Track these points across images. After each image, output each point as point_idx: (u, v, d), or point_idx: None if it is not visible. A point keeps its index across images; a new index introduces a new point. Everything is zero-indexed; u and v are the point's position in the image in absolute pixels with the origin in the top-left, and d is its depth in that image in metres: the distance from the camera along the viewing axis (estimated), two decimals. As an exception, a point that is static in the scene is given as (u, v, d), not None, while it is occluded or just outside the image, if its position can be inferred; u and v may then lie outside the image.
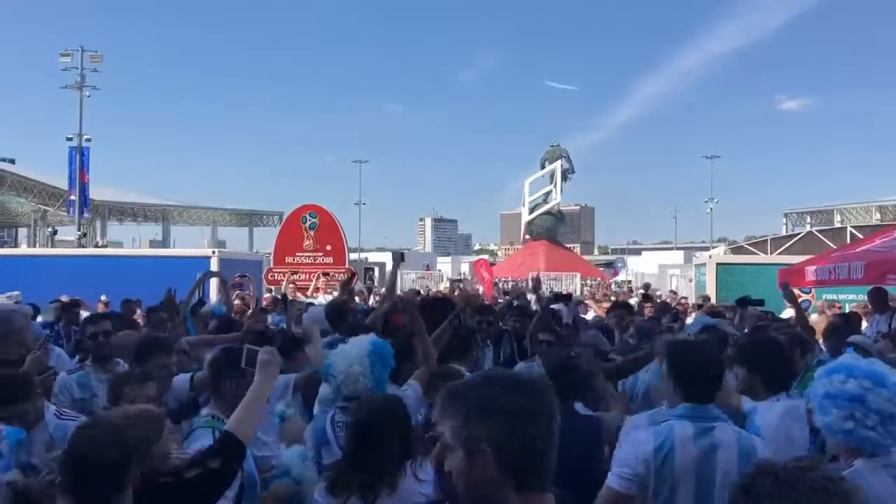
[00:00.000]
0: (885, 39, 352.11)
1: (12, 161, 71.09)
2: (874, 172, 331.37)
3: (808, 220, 60.24)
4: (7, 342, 4.63)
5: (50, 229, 43.51)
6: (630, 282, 38.85)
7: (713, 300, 14.05)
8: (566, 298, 8.68)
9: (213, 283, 13.58)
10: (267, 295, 13.72)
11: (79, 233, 40.27)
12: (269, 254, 19.92)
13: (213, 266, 15.61)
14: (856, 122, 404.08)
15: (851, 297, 13.75)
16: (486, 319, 6.93)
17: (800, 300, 14.58)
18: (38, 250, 30.55)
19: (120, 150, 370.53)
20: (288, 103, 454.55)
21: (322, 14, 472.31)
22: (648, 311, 9.98)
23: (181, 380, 4.50)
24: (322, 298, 12.83)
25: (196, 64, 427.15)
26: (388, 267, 44.02)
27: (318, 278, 14.01)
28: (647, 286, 25.56)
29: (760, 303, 7.13)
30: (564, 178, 59.71)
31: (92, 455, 2.36)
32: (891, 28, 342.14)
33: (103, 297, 12.45)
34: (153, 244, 54.32)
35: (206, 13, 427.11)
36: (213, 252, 17.20)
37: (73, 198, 39.97)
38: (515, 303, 8.76)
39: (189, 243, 54.35)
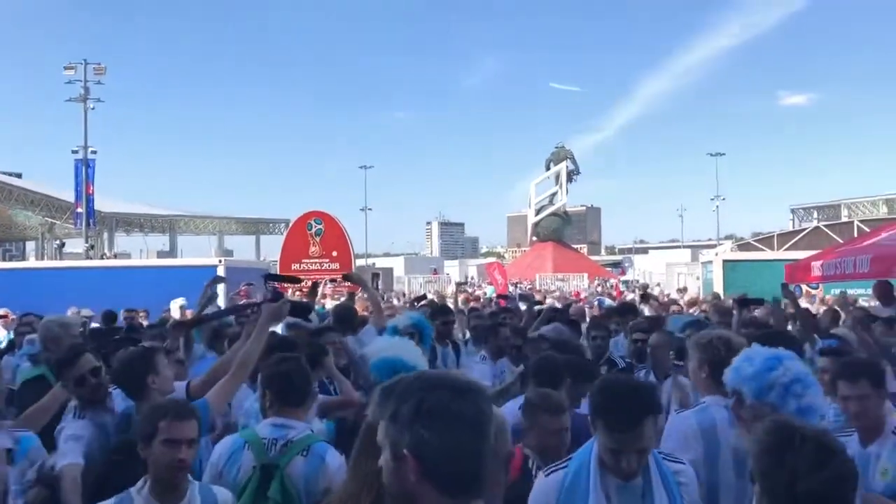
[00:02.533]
0: (890, 32, 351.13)
1: (19, 175, 71.59)
2: (881, 166, 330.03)
3: (815, 215, 60.13)
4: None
5: (57, 242, 43.74)
6: (638, 281, 38.89)
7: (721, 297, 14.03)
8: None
9: (222, 289, 13.63)
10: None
11: (86, 245, 40.45)
12: (276, 261, 19.95)
13: (220, 274, 15.64)
14: (861, 115, 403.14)
15: (860, 291, 13.72)
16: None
17: (808, 297, 14.65)
18: (45, 263, 30.67)
19: (126, 162, 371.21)
20: (293, 112, 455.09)
21: (326, 22, 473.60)
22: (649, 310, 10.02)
23: (178, 388, 4.47)
24: (329, 305, 12.87)
25: (199, 73, 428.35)
26: (396, 273, 43.86)
27: (324, 285, 14.03)
28: (644, 287, 25.58)
29: (760, 302, 7.14)
30: (570, 178, 59.98)
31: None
32: (894, 20, 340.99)
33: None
34: (160, 254, 54.45)
35: (209, 23, 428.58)
36: (220, 261, 17.22)
37: (79, 210, 40.17)
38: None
39: (196, 253, 54.44)
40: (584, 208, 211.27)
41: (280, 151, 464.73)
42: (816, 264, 8.65)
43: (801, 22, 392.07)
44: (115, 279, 16.17)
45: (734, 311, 6.78)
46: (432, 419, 1.50)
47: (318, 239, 18.41)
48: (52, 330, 5.00)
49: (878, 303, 8.84)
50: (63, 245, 42.95)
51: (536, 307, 8.65)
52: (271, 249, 53.45)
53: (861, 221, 34.65)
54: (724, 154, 68.75)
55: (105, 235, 55.94)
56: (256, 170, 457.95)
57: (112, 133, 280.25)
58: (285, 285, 16.95)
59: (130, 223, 63.19)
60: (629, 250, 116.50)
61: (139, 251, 58.61)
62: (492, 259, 77.83)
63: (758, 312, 7.99)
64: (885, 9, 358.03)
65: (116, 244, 58.34)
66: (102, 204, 48.61)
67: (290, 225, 21.06)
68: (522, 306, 10.15)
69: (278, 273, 18.43)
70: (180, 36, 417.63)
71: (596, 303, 16.72)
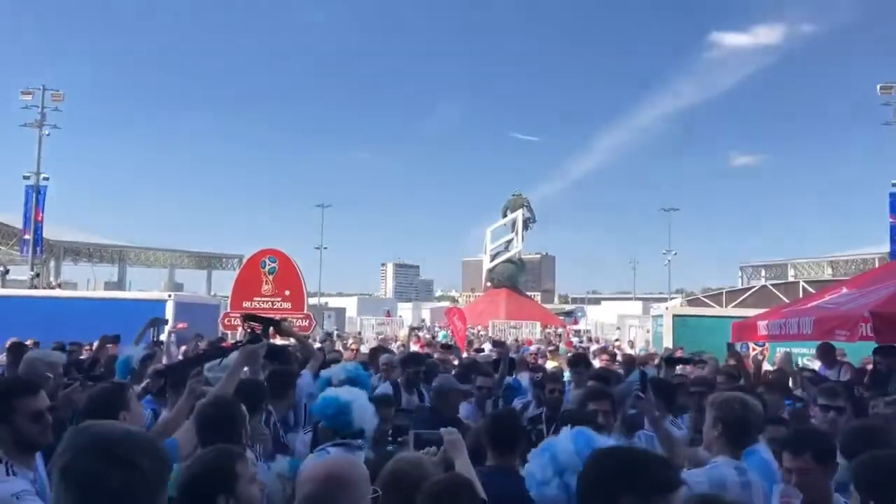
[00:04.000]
0: (835, 99, 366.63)
1: (-35, 198, 69.69)
2: (827, 228, 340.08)
3: (763, 273, 61.66)
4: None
5: (1, 268, 42.41)
6: (589, 331, 39.23)
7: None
8: (501, 345, 8.92)
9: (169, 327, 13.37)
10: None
11: (32, 273, 39.37)
12: (227, 297, 19.64)
13: (169, 310, 15.37)
14: (808, 178, 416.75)
15: (804, 350, 14.03)
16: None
17: (753, 353, 14.95)
18: (-13, 290, 29.73)
19: (78, 191, 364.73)
20: (252, 147, 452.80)
21: (289, 59, 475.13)
22: (604, 362, 10.11)
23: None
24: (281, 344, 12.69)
25: (157, 105, 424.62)
26: (349, 314, 43.15)
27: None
28: (595, 340, 26.02)
29: (687, 361, 7.33)
30: (525, 226, 60.53)
31: None
32: (841, 89, 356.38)
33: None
34: (108, 286, 53.27)
35: (168, 56, 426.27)
36: (170, 295, 16.94)
37: (26, 237, 39.18)
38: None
39: (146, 285, 53.62)
40: (539, 256, 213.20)
41: (237, 186, 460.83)
42: (762, 323, 8.83)
43: (753, 86, 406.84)
44: (59, 309, 15.79)
45: (659, 369, 6.91)
46: (69, 482, 1.39)
47: (271, 277, 18.18)
48: (38, 368, 4.83)
49: (821, 363, 9.06)
50: (7, 272, 41.64)
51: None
52: (223, 285, 52.79)
53: (806, 282, 35.52)
54: (677, 210, 70.46)
55: (52, 264, 54.57)
56: (212, 204, 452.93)
57: (66, 161, 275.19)
58: (235, 322, 16.79)
59: (78, 252, 61.78)
60: (582, 300, 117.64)
61: (86, 281, 57.30)
62: (446, 303, 77.83)
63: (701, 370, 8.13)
64: (832, 76, 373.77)
65: (63, 273, 56.89)
66: (51, 232, 47.55)
67: (244, 262, 20.82)
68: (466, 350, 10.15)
69: (229, 311, 18.20)
70: (139, 69, 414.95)
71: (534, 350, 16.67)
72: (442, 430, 3.18)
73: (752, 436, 3.72)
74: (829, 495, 3.21)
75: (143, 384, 5.48)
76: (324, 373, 5.77)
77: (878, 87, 37.18)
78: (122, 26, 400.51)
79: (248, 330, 4.80)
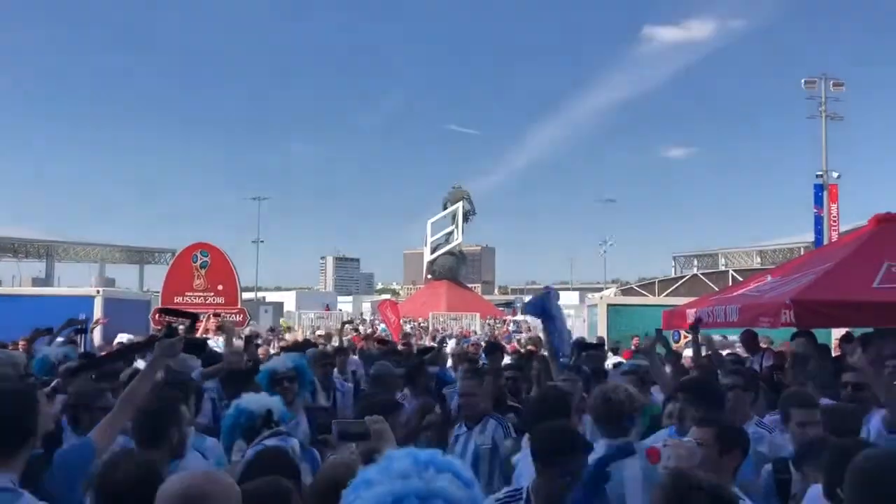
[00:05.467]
0: (763, 93, 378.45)
1: None
2: (756, 219, 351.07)
3: (695, 262, 63.24)
4: None
5: (-81, 265, 40.70)
6: (526, 321, 39.61)
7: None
8: (442, 340, 9.00)
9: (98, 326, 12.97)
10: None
11: (-49, 269, 37.91)
12: (159, 293, 19.19)
13: (97, 306, 14.92)
14: (740, 170, 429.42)
15: (733, 338, 14.43)
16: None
17: (685, 341, 15.31)
18: None
19: (2, 182, 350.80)
20: (189, 139, 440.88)
21: (224, 47, 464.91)
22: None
23: None
24: (213, 340, 12.47)
25: (88, 92, 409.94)
26: (287, 308, 42.52)
27: (207, 319, 13.54)
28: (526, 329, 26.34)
29: (598, 347, 7.56)
30: (466, 219, 60.92)
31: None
32: (768, 83, 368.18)
33: None
34: (36, 282, 51.56)
35: (102, 39, 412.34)
36: (98, 291, 16.44)
37: (-55, 232, 37.67)
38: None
39: (75, 281, 51.90)
40: (479, 248, 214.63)
41: (171, 179, 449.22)
42: (691, 311, 9.02)
43: (684, 81, 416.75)
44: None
45: (572, 356, 7.03)
46: None
47: (203, 272, 17.81)
48: (3, 368, 4.67)
49: (742, 349, 9.34)
50: (-76, 269, 39.96)
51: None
52: (156, 280, 51.54)
53: (735, 271, 36.59)
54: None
55: (-27, 260, 52.55)
56: (144, 197, 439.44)
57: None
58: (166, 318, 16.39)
59: (3, 248, 59.66)
60: (521, 291, 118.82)
61: (11, 278, 55.32)
62: (387, 296, 77.66)
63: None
64: (757, 73, 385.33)
65: (-14, 269, 54.86)
66: (-28, 226, 45.85)
67: (175, 256, 20.35)
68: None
69: (166, 307, 17.75)
70: (70, 52, 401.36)
71: (474, 340, 16.80)
72: (367, 418, 3.07)
73: (612, 421, 3.78)
74: (728, 480, 3.16)
75: (52, 383, 5.19)
76: (268, 364, 5.64)
77: (803, 81, 38.37)
78: (44, 11, 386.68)
79: (166, 324, 4.66)
